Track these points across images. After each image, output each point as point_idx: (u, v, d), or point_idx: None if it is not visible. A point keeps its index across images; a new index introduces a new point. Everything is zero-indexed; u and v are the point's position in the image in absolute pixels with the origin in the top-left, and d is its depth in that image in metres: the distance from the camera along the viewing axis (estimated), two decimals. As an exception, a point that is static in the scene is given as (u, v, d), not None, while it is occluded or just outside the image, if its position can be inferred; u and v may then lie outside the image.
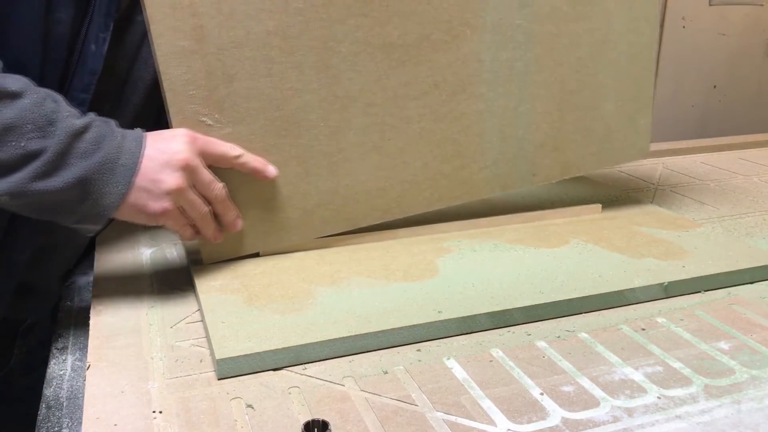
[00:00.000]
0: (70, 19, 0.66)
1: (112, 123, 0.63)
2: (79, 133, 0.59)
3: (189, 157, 0.63)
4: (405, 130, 0.75)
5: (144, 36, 0.75)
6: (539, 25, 0.77)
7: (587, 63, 0.82)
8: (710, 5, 2.50)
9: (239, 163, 0.68)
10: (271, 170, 0.70)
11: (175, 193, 0.62)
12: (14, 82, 0.57)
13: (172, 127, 0.66)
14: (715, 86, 2.62)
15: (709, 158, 1.24)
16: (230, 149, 0.67)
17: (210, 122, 0.67)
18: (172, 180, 0.62)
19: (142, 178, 0.61)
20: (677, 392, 0.54)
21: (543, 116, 0.81)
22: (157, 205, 0.62)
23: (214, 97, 0.67)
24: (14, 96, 0.57)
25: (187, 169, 0.63)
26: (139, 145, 0.62)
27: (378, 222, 0.77)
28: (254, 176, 0.69)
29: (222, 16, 0.65)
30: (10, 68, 0.59)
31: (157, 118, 0.74)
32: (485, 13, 0.75)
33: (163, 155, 0.62)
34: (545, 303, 0.65)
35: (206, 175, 0.65)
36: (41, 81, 0.65)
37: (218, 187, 0.66)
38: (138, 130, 0.64)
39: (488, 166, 0.80)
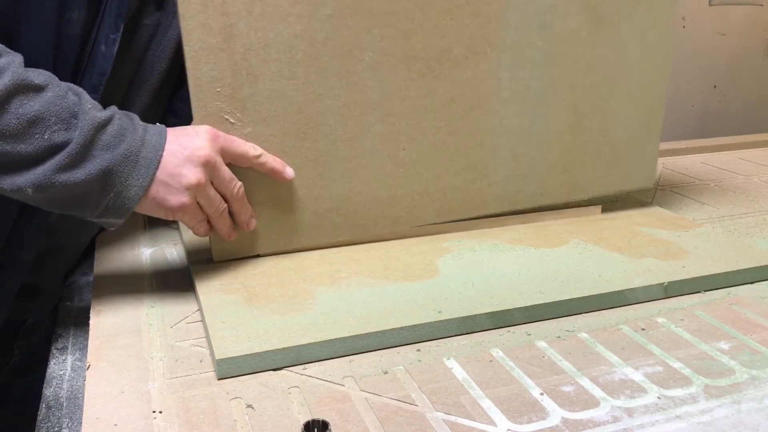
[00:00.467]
0: (82, 20, 0.67)
1: (134, 117, 0.63)
2: (102, 126, 0.59)
3: (210, 153, 0.63)
4: (421, 141, 0.76)
5: (150, 39, 0.75)
6: (557, 47, 0.78)
7: (600, 88, 0.82)
8: (710, 5, 2.50)
9: (259, 162, 0.68)
10: (290, 171, 0.70)
11: (194, 188, 0.62)
12: (38, 75, 0.58)
13: (195, 123, 0.66)
14: (715, 86, 2.62)
15: (709, 158, 1.24)
16: (251, 149, 0.68)
17: (232, 120, 0.68)
18: (193, 175, 0.62)
19: (162, 172, 0.61)
20: (677, 392, 0.54)
21: (555, 137, 0.82)
22: (176, 199, 0.62)
23: (237, 96, 0.67)
24: (39, 89, 0.57)
25: (208, 166, 0.63)
26: (161, 139, 0.62)
27: (388, 231, 0.78)
28: (272, 176, 0.70)
29: (252, 16, 0.66)
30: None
31: (162, 121, 0.74)
32: (505, 33, 0.75)
33: (185, 150, 0.62)
34: (545, 303, 0.65)
35: (226, 172, 0.65)
36: None
37: (237, 186, 0.67)
38: (160, 125, 0.64)
39: (498, 183, 0.81)
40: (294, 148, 0.71)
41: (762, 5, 2.56)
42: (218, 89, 0.66)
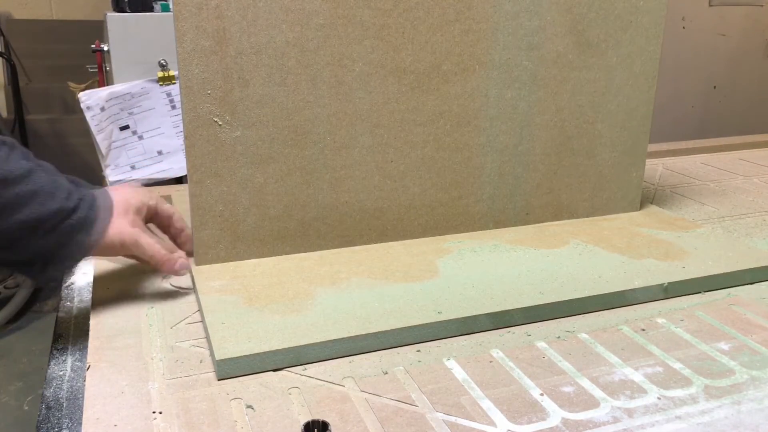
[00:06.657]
0: None
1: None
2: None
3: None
4: (408, 154, 0.76)
5: None
6: (545, 68, 0.79)
7: (587, 111, 0.83)
8: (710, 5, 2.50)
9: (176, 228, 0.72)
10: (174, 269, 0.68)
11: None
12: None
13: (184, 125, 0.68)
14: (715, 87, 2.62)
15: (709, 159, 1.24)
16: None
17: (221, 123, 0.68)
18: None
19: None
20: (677, 393, 0.54)
21: (541, 158, 0.82)
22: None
23: (228, 99, 0.68)
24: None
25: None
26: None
27: (373, 243, 0.78)
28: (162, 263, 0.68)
29: (246, 21, 0.66)
30: None
31: None
32: (494, 51, 0.76)
33: None
34: (545, 304, 0.65)
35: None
36: None
37: None
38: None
39: (484, 200, 0.81)
40: (282, 154, 0.71)
41: (762, 5, 2.57)
42: (209, 91, 0.67)
